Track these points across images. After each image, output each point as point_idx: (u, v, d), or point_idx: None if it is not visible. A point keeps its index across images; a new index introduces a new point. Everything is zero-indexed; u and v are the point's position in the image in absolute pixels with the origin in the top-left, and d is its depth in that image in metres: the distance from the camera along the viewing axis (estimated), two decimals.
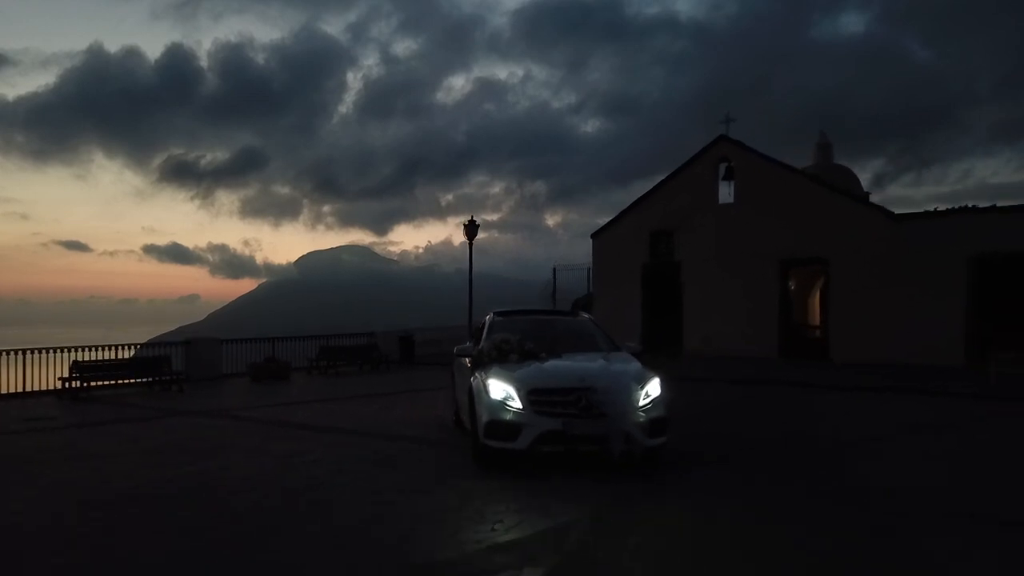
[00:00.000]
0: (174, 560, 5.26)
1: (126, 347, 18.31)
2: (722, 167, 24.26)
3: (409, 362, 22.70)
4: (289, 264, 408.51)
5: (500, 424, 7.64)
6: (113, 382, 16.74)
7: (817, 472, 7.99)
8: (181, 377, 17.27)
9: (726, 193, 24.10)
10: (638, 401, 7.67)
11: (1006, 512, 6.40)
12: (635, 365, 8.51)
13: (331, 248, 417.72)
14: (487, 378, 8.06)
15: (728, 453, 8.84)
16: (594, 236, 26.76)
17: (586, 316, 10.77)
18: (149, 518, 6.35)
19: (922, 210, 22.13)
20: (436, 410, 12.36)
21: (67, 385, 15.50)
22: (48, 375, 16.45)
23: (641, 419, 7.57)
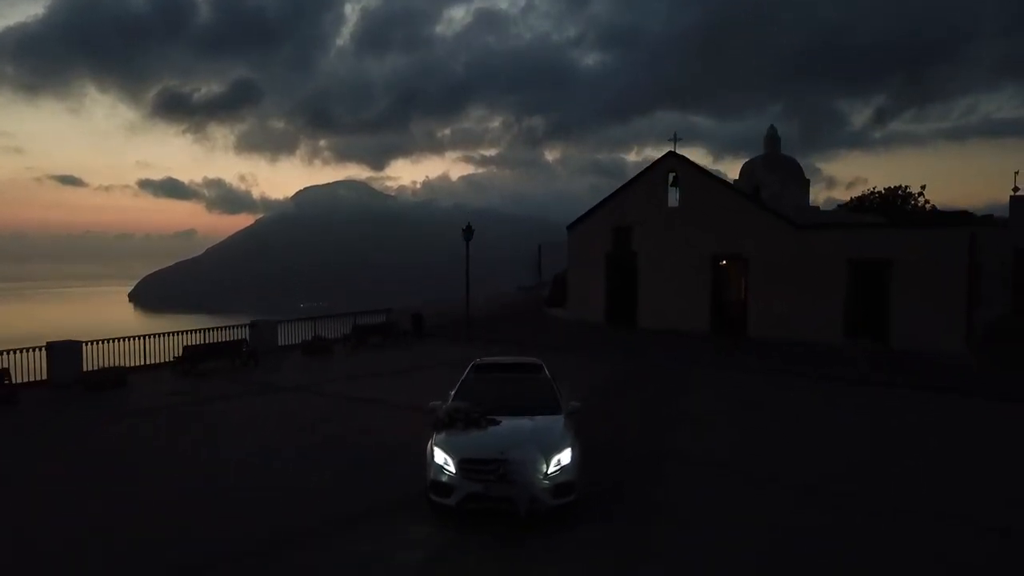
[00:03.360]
0: (325, 475, 11.51)
1: (213, 330, 24.26)
2: (670, 176, 30.07)
3: (419, 335, 28.92)
4: (286, 199, 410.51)
5: (439, 484, 9.64)
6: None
7: (644, 436, 14.28)
8: (256, 352, 23.41)
9: (673, 199, 29.99)
10: (546, 470, 9.49)
11: (747, 465, 12.71)
12: (557, 431, 10.28)
13: (328, 183, 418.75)
14: (434, 445, 10.05)
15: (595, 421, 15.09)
16: (569, 228, 32.73)
17: (546, 375, 12.33)
18: (309, 457, 12.60)
19: (817, 222, 28.02)
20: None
21: (180, 362, 21.67)
22: (155, 352, 22.59)
23: (546, 485, 9.42)
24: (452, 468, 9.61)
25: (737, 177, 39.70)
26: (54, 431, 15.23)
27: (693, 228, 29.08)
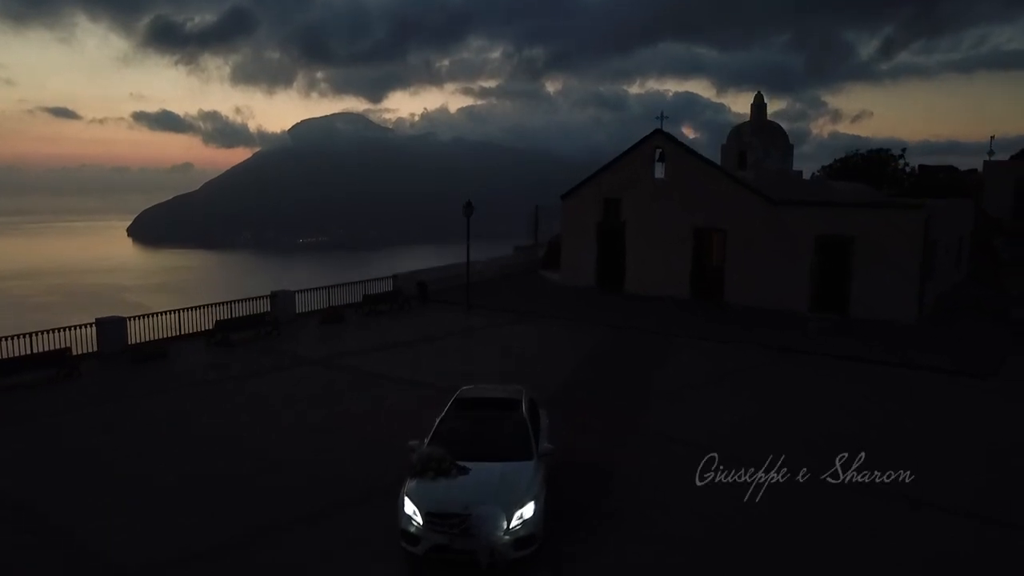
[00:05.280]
0: (350, 448, 14.20)
1: (239, 303, 26.68)
2: (657, 152, 32.16)
3: (424, 301, 31.47)
4: (283, 132, 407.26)
5: (408, 533, 10.27)
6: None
7: (615, 408, 16.99)
8: (277, 322, 26.01)
9: (659, 173, 32.15)
10: (508, 524, 10.00)
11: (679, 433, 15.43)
12: (524, 482, 10.64)
13: (325, 116, 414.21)
14: (405, 494, 10.56)
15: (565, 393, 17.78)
16: (563, 198, 34.98)
17: (522, 415, 12.26)
18: (336, 430, 15.33)
19: (794, 200, 30.25)
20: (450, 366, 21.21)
21: (212, 333, 24.31)
22: (189, 322, 25.20)
23: (507, 540, 9.95)
24: (419, 520, 10.18)
25: (726, 140, 41.74)
26: (117, 402, 17.97)
27: (677, 201, 31.33)
